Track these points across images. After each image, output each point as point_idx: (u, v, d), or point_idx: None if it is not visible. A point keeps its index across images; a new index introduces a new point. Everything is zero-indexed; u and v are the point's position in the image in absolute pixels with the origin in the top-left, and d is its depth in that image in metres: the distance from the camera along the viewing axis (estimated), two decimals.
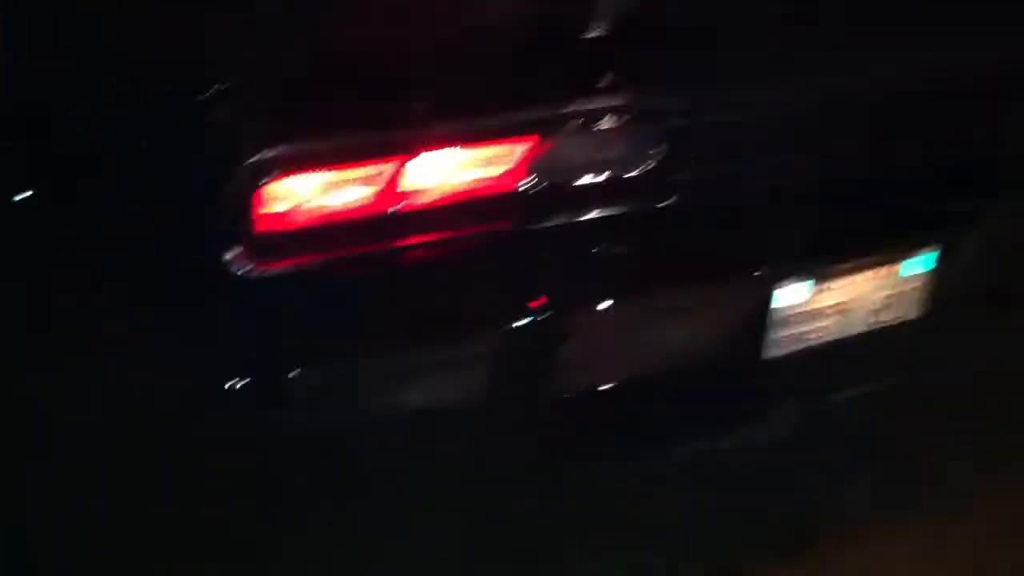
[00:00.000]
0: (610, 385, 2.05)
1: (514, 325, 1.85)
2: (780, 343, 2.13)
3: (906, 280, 2.19)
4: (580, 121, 1.80)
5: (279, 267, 1.73)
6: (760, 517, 2.42)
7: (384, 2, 1.80)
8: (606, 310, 1.93)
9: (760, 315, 2.08)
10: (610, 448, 2.16)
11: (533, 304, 1.86)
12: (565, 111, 1.78)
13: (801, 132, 2.02)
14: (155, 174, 1.73)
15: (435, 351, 1.83)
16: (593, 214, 1.89)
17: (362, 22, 1.75)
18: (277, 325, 1.76)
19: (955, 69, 2.14)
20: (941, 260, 2.19)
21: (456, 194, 1.78)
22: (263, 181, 1.66)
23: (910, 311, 2.22)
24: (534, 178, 1.81)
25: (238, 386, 1.72)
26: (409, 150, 1.70)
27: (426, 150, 1.72)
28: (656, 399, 2.12)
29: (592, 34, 1.85)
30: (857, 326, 2.19)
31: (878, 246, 2.14)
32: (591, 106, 1.80)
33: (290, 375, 1.75)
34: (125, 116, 1.75)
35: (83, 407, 1.78)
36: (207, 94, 1.66)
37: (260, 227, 1.70)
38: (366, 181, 1.71)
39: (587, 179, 1.86)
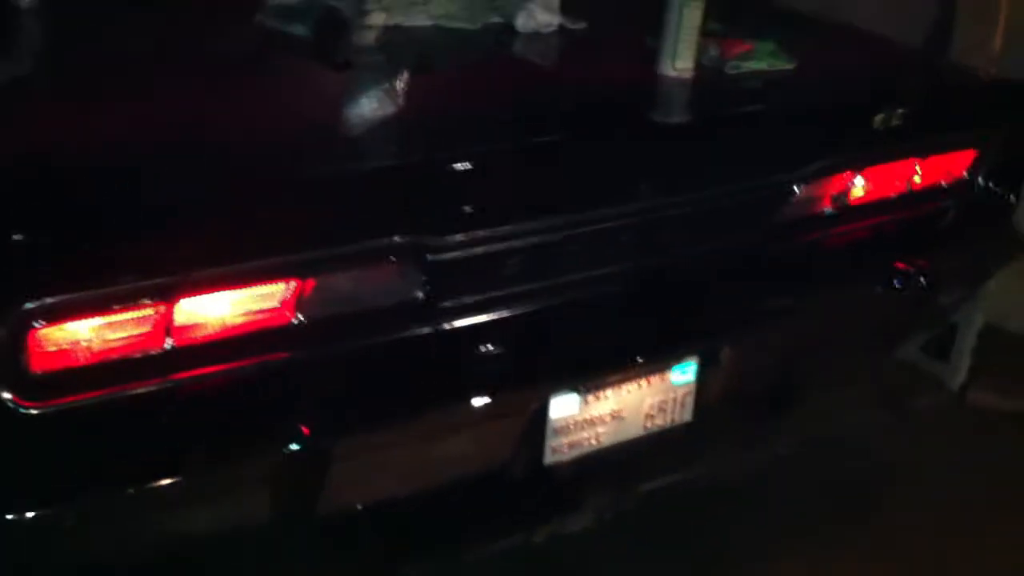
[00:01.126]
0: (400, 499, 2.17)
1: (294, 448, 1.96)
2: (559, 450, 2.27)
3: (676, 388, 2.36)
4: (342, 262, 1.94)
5: (56, 404, 1.82)
6: None
7: (147, 156, 1.91)
8: (385, 430, 2.05)
9: (537, 426, 2.22)
10: (405, 559, 2.28)
11: (312, 427, 1.96)
12: (325, 254, 1.91)
13: (559, 255, 2.18)
14: None
15: (215, 478, 1.93)
16: (365, 343, 2.02)
17: (126, 176, 1.86)
18: (56, 460, 1.84)
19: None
20: (707, 368, 2.36)
21: (227, 331, 1.90)
22: (35, 325, 1.75)
23: (683, 415, 2.39)
24: (301, 314, 1.94)
25: (21, 519, 1.80)
26: (176, 294, 1.82)
27: (195, 293, 1.84)
28: (444, 509, 2.26)
29: (351, 180, 1.99)
30: (632, 431, 2.34)
31: (646, 357, 2.30)
32: (352, 248, 1.94)
33: (71, 509, 1.83)
34: None
35: None
36: None
37: (35, 367, 1.79)
38: (137, 323, 1.82)
39: (354, 312, 1.99)
